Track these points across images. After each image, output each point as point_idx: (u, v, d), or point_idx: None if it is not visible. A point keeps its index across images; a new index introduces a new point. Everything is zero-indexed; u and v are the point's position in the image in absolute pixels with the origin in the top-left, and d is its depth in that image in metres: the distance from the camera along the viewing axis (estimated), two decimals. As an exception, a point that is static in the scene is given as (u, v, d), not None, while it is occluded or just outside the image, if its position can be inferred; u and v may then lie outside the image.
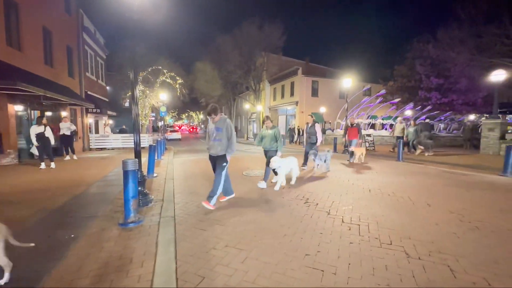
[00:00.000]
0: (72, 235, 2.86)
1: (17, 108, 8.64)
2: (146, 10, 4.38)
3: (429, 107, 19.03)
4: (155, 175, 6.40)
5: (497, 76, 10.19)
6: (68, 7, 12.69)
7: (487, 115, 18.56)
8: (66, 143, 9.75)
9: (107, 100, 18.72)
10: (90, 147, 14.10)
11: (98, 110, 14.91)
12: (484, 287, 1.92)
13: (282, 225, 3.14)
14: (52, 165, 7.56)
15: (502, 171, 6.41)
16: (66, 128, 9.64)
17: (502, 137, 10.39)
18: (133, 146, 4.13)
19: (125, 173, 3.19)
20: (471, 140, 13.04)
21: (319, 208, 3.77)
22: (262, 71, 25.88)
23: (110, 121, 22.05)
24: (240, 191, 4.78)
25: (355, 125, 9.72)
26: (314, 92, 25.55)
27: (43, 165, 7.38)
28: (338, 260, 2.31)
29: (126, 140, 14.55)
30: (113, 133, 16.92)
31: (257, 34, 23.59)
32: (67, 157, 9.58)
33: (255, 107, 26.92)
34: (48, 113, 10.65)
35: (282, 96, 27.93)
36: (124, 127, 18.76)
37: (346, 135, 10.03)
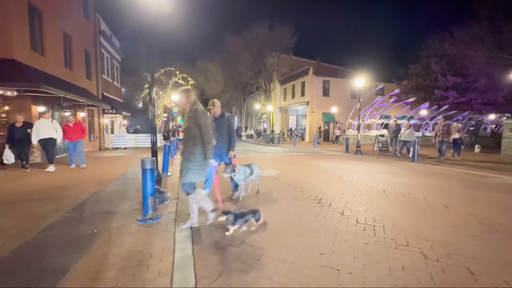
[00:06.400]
0: (95, 230, 3.00)
1: (40, 109, 9.08)
2: (162, 15, 4.51)
3: (445, 107, 18.44)
4: (169, 174, 6.56)
5: (520, 74, 9.77)
6: (86, 12, 13.21)
7: (508, 115, 17.80)
8: (46, 148, 6.95)
9: (122, 101, 19.30)
10: (106, 146, 14.59)
11: (114, 111, 15.41)
12: (506, 291, 1.88)
13: (295, 225, 3.17)
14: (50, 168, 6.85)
15: (525, 173, 6.16)
16: (46, 128, 6.80)
17: (525, 138, 9.94)
18: (145, 146, 4.28)
19: (144, 171, 3.31)
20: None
21: (332, 209, 3.76)
22: (272, 71, 25.91)
23: (125, 122, 22.77)
24: (253, 191, 4.83)
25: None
26: (325, 92, 25.32)
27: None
28: (353, 260, 2.31)
29: (139, 140, 14.94)
30: (128, 133, 17.43)
31: (267, 35, 23.66)
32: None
33: (266, 107, 26.95)
34: (67, 113, 11.12)
35: (293, 96, 27.83)
36: (138, 127, 19.30)
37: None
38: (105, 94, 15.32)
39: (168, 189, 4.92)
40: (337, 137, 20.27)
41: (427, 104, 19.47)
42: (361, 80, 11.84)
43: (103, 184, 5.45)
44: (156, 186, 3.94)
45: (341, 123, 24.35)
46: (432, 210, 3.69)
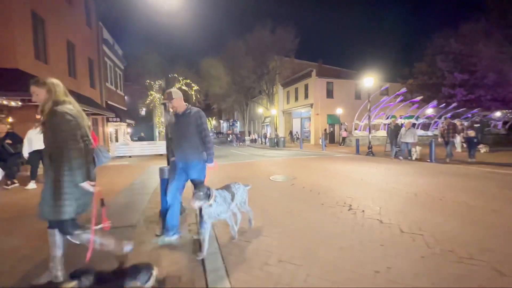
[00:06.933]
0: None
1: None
2: (174, 11, 4.27)
3: (454, 104, 18.09)
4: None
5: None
6: (89, 21, 13.12)
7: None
8: (34, 161, 5.85)
9: (125, 109, 19.16)
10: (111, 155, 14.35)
11: (118, 119, 15.21)
12: None
13: (333, 236, 2.84)
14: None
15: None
16: (40, 138, 4.10)
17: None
18: (151, 153, 3.96)
19: (163, 181, 3.01)
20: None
21: (368, 216, 3.43)
22: (275, 74, 25.74)
23: (129, 130, 22.61)
24: (273, 197, 4.52)
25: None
26: (329, 94, 25.05)
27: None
28: (416, 279, 1.98)
29: (145, 148, 14.68)
30: (132, 141, 17.21)
31: (269, 38, 23.55)
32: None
33: (269, 111, 26.73)
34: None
35: (296, 99, 27.59)
36: (142, 134, 19.08)
37: None
38: (109, 102, 15.16)
39: (182, 199, 4.61)
40: (343, 138, 19.93)
41: (434, 102, 19.13)
42: (370, 80, 11.57)
43: (111, 195, 5.14)
44: (173, 197, 3.65)
45: (346, 124, 24.03)
46: (479, 215, 3.35)
